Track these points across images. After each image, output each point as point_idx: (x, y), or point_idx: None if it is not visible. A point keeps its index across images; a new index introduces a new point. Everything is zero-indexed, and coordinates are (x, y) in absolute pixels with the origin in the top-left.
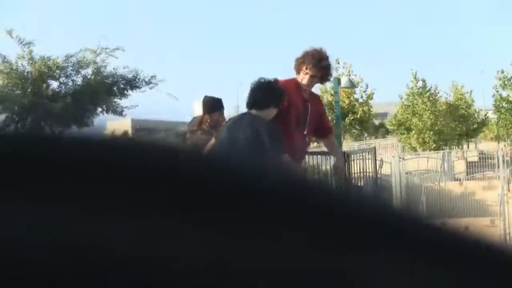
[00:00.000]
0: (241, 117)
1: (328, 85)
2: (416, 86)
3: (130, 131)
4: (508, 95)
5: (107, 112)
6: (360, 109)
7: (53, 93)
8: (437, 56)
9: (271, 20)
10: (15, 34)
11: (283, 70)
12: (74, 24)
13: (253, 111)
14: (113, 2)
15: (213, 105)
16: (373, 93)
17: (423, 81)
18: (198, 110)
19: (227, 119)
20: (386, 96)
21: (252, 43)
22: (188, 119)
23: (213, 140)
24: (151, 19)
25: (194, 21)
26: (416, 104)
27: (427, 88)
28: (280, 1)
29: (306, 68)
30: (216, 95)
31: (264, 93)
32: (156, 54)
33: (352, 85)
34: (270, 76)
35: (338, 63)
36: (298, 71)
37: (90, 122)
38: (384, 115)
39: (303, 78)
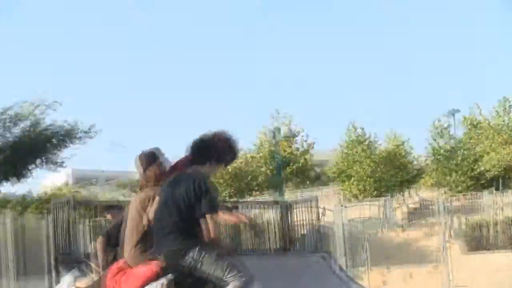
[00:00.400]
0: (182, 173)
1: (268, 134)
2: (354, 134)
3: (70, 181)
4: (444, 145)
5: (46, 163)
6: (301, 158)
7: None
8: (374, 104)
9: (215, 72)
10: None
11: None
12: (10, 76)
13: (194, 166)
14: (49, 55)
15: (147, 159)
16: (314, 142)
17: (362, 129)
18: (138, 167)
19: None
20: (327, 143)
21: (188, 93)
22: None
23: (157, 199)
24: (90, 71)
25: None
26: (356, 152)
27: (365, 137)
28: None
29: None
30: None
31: (205, 149)
32: (96, 105)
33: (293, 134)
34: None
35: (278, 113)
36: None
37: (29, 174)
38: (325, 162)
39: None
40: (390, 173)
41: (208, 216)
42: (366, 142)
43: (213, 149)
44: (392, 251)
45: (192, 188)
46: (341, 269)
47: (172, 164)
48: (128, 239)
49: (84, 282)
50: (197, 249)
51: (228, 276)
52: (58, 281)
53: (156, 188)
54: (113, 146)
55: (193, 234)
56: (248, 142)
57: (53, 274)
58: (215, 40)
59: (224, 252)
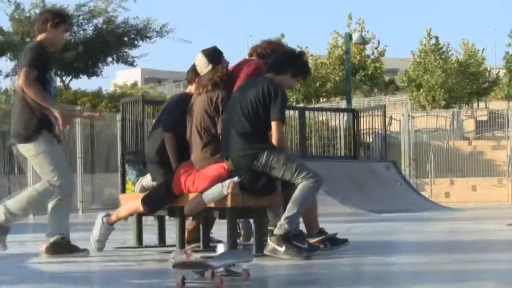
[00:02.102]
0: (254, 78)
1: (340, 40)
2: (429, 43)
3: (140, 80)
4: None
5: (117, 62)
6: (372, 65)
7: (64, 41)
8: (450, 13)
9: None
10: None
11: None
12: None
13: (269, 74)
14: None
15: (217, 56)
16: (385, 50)
17: (436, 38)
18: (204, 64)
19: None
20: (398, 52)
21: None
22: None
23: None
24: None
25: None
26: (428, 62)
27: (440, 46)
28: None
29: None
30: (225, 45)
31: (284, 60)
32: (169, 3)
33: (364, 41)
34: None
35: (351, 18)
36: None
37: (100, 71)
38: (395, 71)
39: None
40: (462, 84)
41: (274, 122)
42: (440, 51)
43: (291, 62)
44: (457, 163)
45: (263, 93)
46: (405, 179)
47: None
48: (195, 141)
49: (149, 180)
50: (265, 153)
51: (298, 177)
52: (124, 179)
53: (221, 90)
54: (182, 42)
55: (261, 139)
56: (319, 47)
57: (120, 170)
58: None
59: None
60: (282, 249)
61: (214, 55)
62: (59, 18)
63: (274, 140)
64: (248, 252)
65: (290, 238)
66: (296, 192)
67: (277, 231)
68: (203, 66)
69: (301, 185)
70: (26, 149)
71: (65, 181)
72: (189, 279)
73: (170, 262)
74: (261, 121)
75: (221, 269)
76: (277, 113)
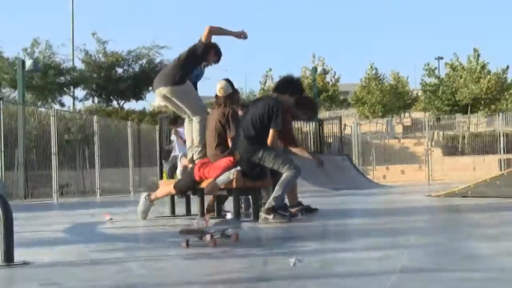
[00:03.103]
0: (265, 96)
1: (308, 72)
2: (371, 73)
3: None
4: (431, 81)
5: None
6: (331, 89)
7: (119, 77)
8: (385, 50)
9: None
10: (95, 35)
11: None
12: (134, 24)
13: (274, 94)
14: (162, 5)
15: (232, 85)
16: (340, 77)
17: (376, 69)
18: (226, 89)
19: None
20: (349, 78)
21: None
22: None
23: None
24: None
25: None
26: (370, 86)
27: (378, 75)
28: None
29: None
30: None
31: (284, 82)
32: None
33: (325, 72)
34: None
35: (314, 56)
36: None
37: (144, 96)
38: (347, 93)
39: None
40: (392, 101)
41: (272, 130)
42: (378, 78)
43: (289, 84)
44: (391, 155)
45: (268, 109)
46: (355, 166)
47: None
48: (210, 142)
49: (185, 161)
50: (261, 150)
51: (283, 168)
52: (161, 170)
53: (231, 107)
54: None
55: (261, 141)
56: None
57: (158, 164)
58: None
59: (280, 153)
60: (270, 217)
61: (232, 85)
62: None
63: (269, 142)
64: (237, 221)
65: (276, 210)
66: (282, 178)
67: (267, 205)
68: (226, 89)
69: (285, 174)
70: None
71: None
72: (191, 242)
73: (193, 227)
74: (263, 129)
75: (217, 234)
76: (276, 125)
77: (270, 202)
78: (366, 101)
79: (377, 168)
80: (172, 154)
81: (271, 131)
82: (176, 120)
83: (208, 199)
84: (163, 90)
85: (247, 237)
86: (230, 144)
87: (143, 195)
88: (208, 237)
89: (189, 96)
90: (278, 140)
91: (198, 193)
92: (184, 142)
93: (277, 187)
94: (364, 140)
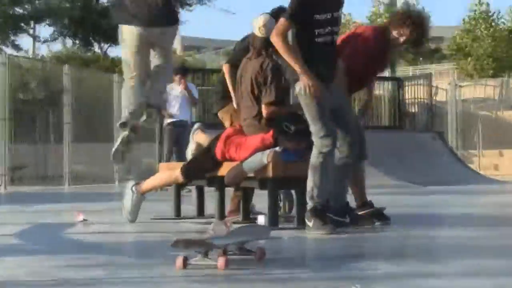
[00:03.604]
0: None
1: (382, 7)
2: (479, 10)
3: (178, 48)
4: None
5: None
6: None
7: (102, 8)
8: None
9: None
10: None
11: None
12: None
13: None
14: None
15: (274, 21)
16: (430, 16)
17: (487, 4)
18: (262, 27)
19: None
20: (443, 19)
21: None
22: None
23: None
24: None
25: None
26: (478, 29)
27: (490, 13)
28: None
29: (407, 29)
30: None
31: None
32: None
33: (408, 7)
34: None
35: None
36: (394, 25)
37: None
38: (440, 39)
39: (400, 36)
40: (510, 53)
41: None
42: (489, 19)
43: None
44: (507, 134)
45: None
46: (451, 150)
47: None
48: (247, 107)
49: (201, 137)
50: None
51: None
52: (162, 147)
53: (272, 59)
54: (223, 12)
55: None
56: (361, 15)
57: (156, 139)
58: None
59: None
60: (310, 223)
61: (273, 21)
62: None
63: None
64: (265, 228)
65: (319, 212)
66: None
67: (308, 205)
68: (270, 28)
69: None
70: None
71: None
72: (192, 261)
73: (209, 234)
74: None
75: (232, 248)
76: None
77: (307, 201)
78: (470, 52)
79: (485, 154)
80: (170, 121)
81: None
82: (187, 69)
83: (230, 193)
84: (164, 30)
85: (287, 253)
86: (264, 112)
87: (129, 185)
88: (219, 253)
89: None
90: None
91: (216, 183)
92: (195, 102)
93: (309, 175)
94: (466, 110)
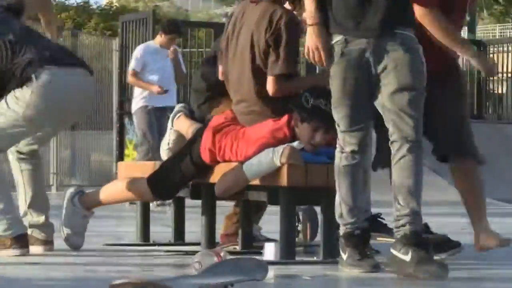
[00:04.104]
0: None
1: None
2: None
3: None
4: None
5: None
6: None
7: None
8: None
9: None
10: None
11: None
12: None
13: None
14: None
15: None
16: None
17: None
18: None
19: None
20: None
21: None
22: None
23: None
24: None
25: None
26: None
27: None
28: None
29: None
30: None
31: None
32: None
33: None
34: None
35: None
36: None
37: None
38: None
39: None
40: None
41: None
42: None
43: None
44: None
45: None
46: None
47: None
48: (240, 82)
49: (184, 124)
50: None
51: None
52: (121, 139)
53: (282, 10)
54: None
55: None
56: None
57: (115, 125)
58: None
59: None
60: (344, 256)
61: None
62: None
63: None
64: (260, 265)
65: (352, 239)
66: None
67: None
68: None
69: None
70: None
71: None
72: None
73: (194, 269)
74: None
75: None
76: None
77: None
78: None
79: None
80: (141, 104)
81: None
82: (180, 27)
83: (226, 209)
84: None
85: None
86: (271, 88)
87: (69, 192)
88: None
89: None
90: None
91: (204, 194)
92: (183, 75)
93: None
94: None
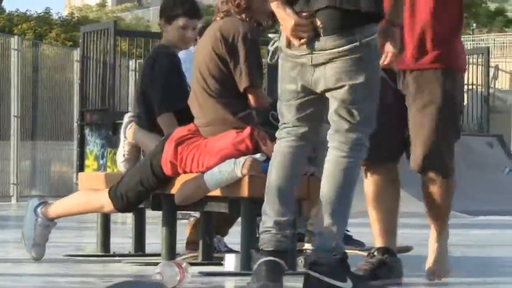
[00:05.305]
0: None
1: None
2: None
3: (109, 0)
4: None
5: None
6: None
7: None
8: None
9: None
10: None
11: None
12: None
13: None
14: None
15: None
16: None
17: None
18: None
19: None
20: None
21: None
22: None
23: None
24: None
25: None
26: None
27: None
28: None
29: None
30: None
31: None
32: None
33: None
34: None
35: None
36: None
37: None
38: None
39: None
40: None
41: None
42: None
43: None
44: None
45: None
46: None
47: None
48: (200, 98)
49: (136, 135)
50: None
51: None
52: (82, 150)
53: (244, 22)
54: None
55: None
56: None
57: (76, 134)
58: None
59: None
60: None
61: None
62: None
63: None
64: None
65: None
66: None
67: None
68: None
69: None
70: None
71: None
72: None
73: (155, 279)
74: None
75: None
76: None
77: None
78: None
79: None
80: None
81: None
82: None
83: (185, 220)
84: None
85: None
86: (253, 101)
87: (32, 204)
88: None
89: None
90: None
91: (164, 205)
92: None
93: (327, 198)
94: None
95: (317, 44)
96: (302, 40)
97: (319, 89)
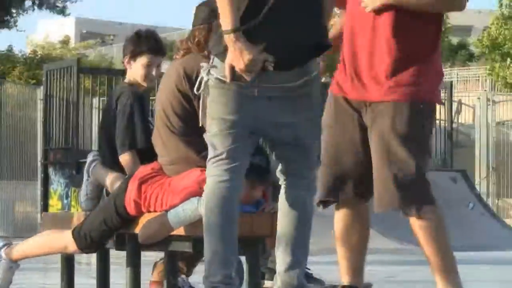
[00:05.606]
0: None
1: None
2: None
3: (73, 36)
4: None
5: (39, 7)
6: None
7: None
8: None
9: None
10: None
11: None
12: None
13: None
14: None
15: (212, 12)
16: None
17: None
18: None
19: None
20: (472, 2)
21: None
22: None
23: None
24: None
25: None
26: None
27: None
28: None
29: None
30: None
31: None
32: None
33: None
34: None
35: None
36: None
37: (14, 21)
38: (468, 30)
39: None
40: None
41: None
42: None
43: None
44: None
45: None
46: (479, 197)
47: None
48: (164, 131)
49: (99, 174)
50: None
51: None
52: (45, 189)
53: (204, 58)
54: None
55: None
56: None
57: (39, 174)
58: None
59: None
60: None
61: (211, 11)
62: None
63: None
64: None
65: None
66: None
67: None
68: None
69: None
70: None
71: None
72: None
73: None
74: None
75: None
76: None
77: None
78: (511, 52)
79: None
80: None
81: None
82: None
83: (150, 259)
84: None
85: None
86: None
87: None
88: None
89: None
90: None
91: (129, 244)
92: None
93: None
94: (504, 138)
95: (265, 77)
96: (252, 73)
97: (264, 121)
